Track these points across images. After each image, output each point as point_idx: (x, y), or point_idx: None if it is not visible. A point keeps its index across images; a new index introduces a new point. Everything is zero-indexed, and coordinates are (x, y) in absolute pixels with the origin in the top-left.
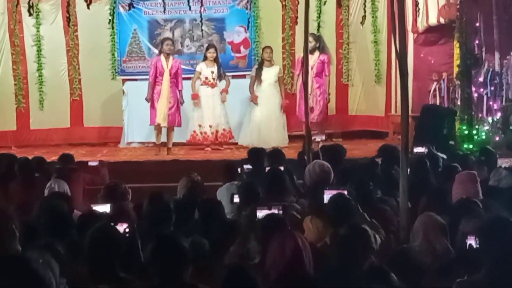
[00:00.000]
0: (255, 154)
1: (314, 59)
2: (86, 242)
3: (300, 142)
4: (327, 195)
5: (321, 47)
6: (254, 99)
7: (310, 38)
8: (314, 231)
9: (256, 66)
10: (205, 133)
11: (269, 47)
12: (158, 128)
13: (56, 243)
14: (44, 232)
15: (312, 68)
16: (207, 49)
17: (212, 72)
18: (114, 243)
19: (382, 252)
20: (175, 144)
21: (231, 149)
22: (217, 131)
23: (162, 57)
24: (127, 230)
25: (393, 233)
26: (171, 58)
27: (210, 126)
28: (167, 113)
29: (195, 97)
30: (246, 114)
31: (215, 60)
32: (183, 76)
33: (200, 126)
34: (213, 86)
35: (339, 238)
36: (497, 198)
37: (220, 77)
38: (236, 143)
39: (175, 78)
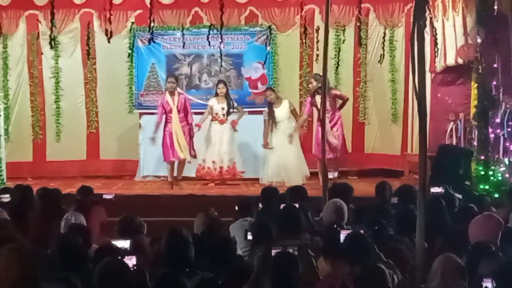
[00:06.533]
0: (267, 193)
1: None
2: (95, 276)
3: (315, 179)
4: (343, 234)
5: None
6: (266, 146)
7: (315, 81)
8: (329, 270)
9: (266, 110)
10: (209, 168)
11: (269, 88)
12: (172, 164)
13: (72, 276)
14: (61, 265)
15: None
16: (216, 84)
17: (223, 109)
18: (122, 277)
19: None
20: (185, 178)
21: (238, 185)
22: (221, 168)
23: (167, 95)
24: (134, 263)
25: (408, 273)
26: (176, 94)
27: (214, 162)
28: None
29: (197, 125)
30: (266, 153)
31: (226, 96)
32: (199, 110)
33: (204, 161)
34: (222, 122)
35: (356, 278)
36: None
37: (229, 113)
38: (242, 179)
39: (184, 113)
